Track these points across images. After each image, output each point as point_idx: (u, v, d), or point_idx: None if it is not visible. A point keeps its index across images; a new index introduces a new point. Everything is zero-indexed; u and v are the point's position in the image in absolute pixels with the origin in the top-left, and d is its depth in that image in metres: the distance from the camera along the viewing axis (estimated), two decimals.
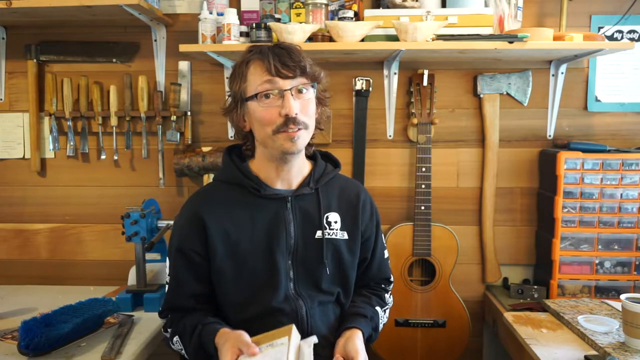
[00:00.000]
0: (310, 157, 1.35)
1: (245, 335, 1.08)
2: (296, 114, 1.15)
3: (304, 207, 1.27)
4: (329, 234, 1.26)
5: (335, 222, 1.28)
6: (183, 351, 1.22)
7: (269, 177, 1.26)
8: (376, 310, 1.31)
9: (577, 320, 1.53)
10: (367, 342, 1.27)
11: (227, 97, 1.27)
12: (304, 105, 1.18)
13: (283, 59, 1.15)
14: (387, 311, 1.39)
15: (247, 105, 1.20)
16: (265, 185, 1.26)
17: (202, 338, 1.15)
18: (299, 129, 1.16)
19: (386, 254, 1.41)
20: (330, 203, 1.29)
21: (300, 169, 1.28)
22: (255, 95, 1.16)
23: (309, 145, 1.28)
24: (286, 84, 1.15)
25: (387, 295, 1.40)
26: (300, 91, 1.17)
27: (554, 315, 1.65)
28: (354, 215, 1.30)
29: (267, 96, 1.16)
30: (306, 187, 1.27)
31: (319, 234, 1.26)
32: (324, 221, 1.27)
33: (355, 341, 1.19)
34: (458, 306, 1.94)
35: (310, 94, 1.20)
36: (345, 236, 1.28)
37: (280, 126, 1.15)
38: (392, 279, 1.44)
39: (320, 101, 1.27)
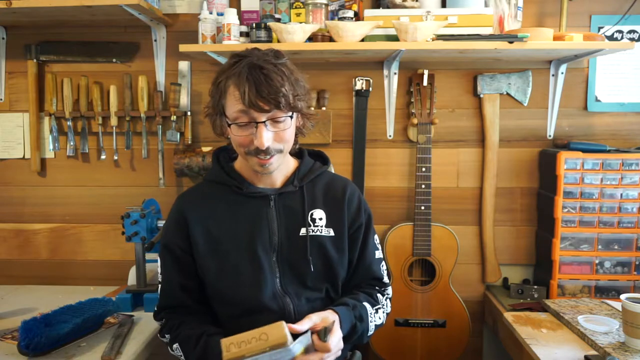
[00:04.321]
0: (296, 154, 1.35)
1: None
2: (268, 146, 1.14)
3: (288, 205, 1.27)
4: (313, 230, 1.26)
5: (320, 219, 1.28)
6: (182, 357, 1.22)
7: (252, 176, 1.28)
8: (363, 305, 1.25)
9: (577, 320, 1.53)
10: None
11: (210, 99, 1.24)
12: (278, 134, 1.16)
13: (259, 88, 1.10)
14: (381, 312, 1.32)
15: (225, 120, 1.19)
16: (247, 183, 1.27)
17: (208, 350, 1.15)
18: (271, 156, 1.17)
19: (378, 254, 1.36)
20: (315, 200, 1.29)
21: (282, 168, 1.28)
22: (231, 119, 1.16)
23: (295, 143, 1.28)
24: (261, 116, 1.13)
25: (380, 296, 1.34)
26: (276, 121, 1.15)
27: (554, 315, 1.65)
28: (339, 211, 1.30)
29: (241, 123, 1.15)
30: (290, 185, 1.28)
31: (303, 231, 1.26)
32: (309, 218, 1.27)
33: (321, 312, 1.16)
34: (458, 306, 1.94)
35: (287, 123, 1.17)
36: (331, 233, 1.28)
37: (253, 151, 1.16)
38: (385, 279, 1.38)
39: (305, 116, 1.25)
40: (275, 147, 1.17)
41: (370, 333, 1.27)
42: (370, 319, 1.26)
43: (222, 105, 1.18)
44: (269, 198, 1.26)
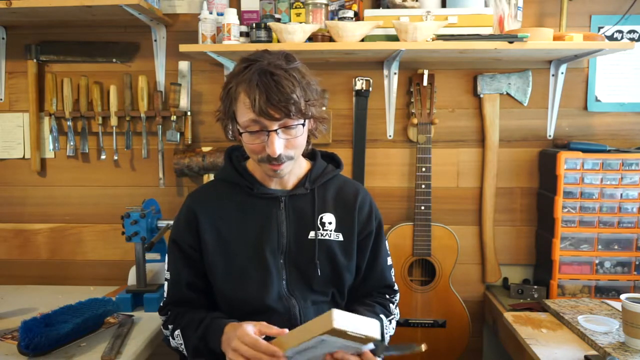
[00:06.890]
0: (309, 156, 1.35)
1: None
2: (280, 154, 1.13)
3: (298, 208, 1.27)
4: (322, 234, 1.26)
5: (330, 223, 1.27)
6: (182, 346, 1.22)
7: (263, 177, 1.27)
8: (380, 318, 1.26)
9: (577, 320, 1.53)
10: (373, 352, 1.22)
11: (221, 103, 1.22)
12: (290, 141, 1.15)
13: (270, 95, 1.07)
14: (393, 322, 1.34)
15: (237, 127, 1.18)
16: (259, 184, 1.27)
17: (209, 331, 1.15)
18: (282, 163, 1.16)
19: (389, 261, 1.37)
20: (325, 204, 1.29)
21: (295, 170, 1.27)
22: (242, 127, 1.15)
23: (307, 143, 1.27)
24: (272, 124, 1.11)
25: (392, 306, 1.34)
26: (288, 127, 1.14)
27: (554, 315, 1.65)
28: (350, 216, 1.29)
29: (252, 131, 1.13)
30: (301, 188, 1.27)
31: (311, 234, 1.25)
32: (318, 222, 1.26)
33: None
34: (458, 306, 1.94)
35: (299, 130, 1.15)
36: (340, 237, 1.27)
37: (264, 158, 1.15)
38: (396, 287, 1.38)
39: (318, 120, 1.24)
40: (286, 155, 1.16)
41: None
42: (385, 331, 1.26)
43: (232, 112, 1.16)
44: (280, 200, 1.26)
